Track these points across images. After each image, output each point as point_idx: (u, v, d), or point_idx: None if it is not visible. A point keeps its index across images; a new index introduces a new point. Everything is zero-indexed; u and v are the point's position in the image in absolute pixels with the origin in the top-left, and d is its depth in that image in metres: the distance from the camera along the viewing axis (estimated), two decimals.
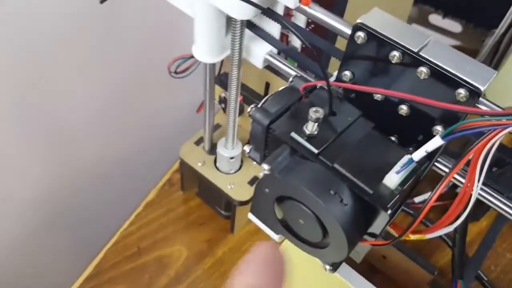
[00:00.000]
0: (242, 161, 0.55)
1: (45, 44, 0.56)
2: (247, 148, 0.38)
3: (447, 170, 0.33)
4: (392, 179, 0.30)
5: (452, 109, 0.28)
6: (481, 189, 0.32)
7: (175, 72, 0.54)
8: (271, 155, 0.31)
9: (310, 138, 0.32)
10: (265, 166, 0.30)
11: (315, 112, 0.31)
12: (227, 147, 0.52)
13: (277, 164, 0.30)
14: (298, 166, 0.31)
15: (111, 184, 0.78)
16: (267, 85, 0.51)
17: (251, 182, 0.53)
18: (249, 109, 0.35)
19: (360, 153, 0.32)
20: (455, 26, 0.74)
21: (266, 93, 0.52)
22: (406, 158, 0.30)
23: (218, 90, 0.54)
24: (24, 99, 0.58)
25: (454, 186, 0.54)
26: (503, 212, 0.32)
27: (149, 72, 0.69)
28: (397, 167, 0.30)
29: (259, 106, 0.35)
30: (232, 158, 0.52)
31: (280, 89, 0.37)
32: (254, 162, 0.37)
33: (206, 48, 0.42)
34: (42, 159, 0.65)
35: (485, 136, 0.26)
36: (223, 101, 0.56)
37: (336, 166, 0.31)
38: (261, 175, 0.31)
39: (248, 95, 0.53)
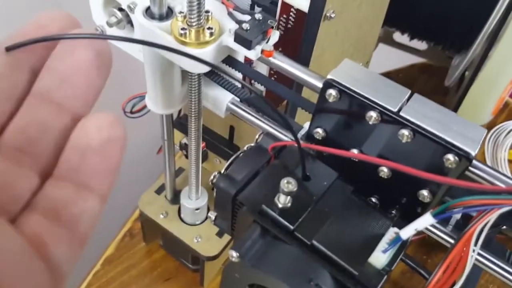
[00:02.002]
0: (208, 209, 0.50)
1: None
2: (212, 216, 0.34)
3: (447, 239, 0.30)
4: (379, 258, 0.26)
5: (441, 182, 0.24)
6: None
7: (131, 112, 0.50)
8: (240, 240, 0.27)
9: (283, 212, 0.28)
10: (234, 254, 0.26)
11: (288, 184, 0.27)
12: (191, 197, 0.48)
13: (247, 250, 0.26)
14: (271, 251, 0.27)
15: None
16: (232, 129, 0.47)
17: (219, 234, 0.49)
18: (211, 177, 0.31)
19: (340, 224, 0.28)
20: (420, 44, 0.72)
21: (231, 137, 0.48)
22: (392, 233, 0.27)
23: (178, 134, 0.50)
24: None
25: None
26: (505, 280, 0.29)
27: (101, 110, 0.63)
28: (383, 243, 0.27)
29: (223, 172, 0.31)
30: (197, 209, 0.48)
31: (246, 148, 0.33)
32: None
33: (160, 100, 0.38)
34: None
35: (478, 219, 0.23)
36: (184, 147, 0.51)
37: (315, 243, 0.27)
38: (230, 259, 0.27)
39: (212, 140, 0.48)
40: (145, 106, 0.49)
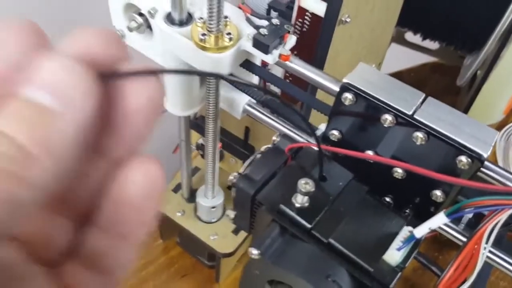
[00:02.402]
0: (224, 207, 0.52)
1: None
2: (231, 214, 0.35)
3: (459, 237, 0.30)
4: (394, 256, 0.27)
5: (454, 182, 0.25)
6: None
7: None
8: (260, 237, 0.28)
9: (300, 211, 0.29)
10: (254, 251, 0.27)
11: (305, 185, 0.28)
12: (207, 196, 0.49)
13: (267, 248, 0.27)
14: (289, 249, 0.28)
15: None
16: (247, 129, 0.48)
17: (235, 231, 0.50)
18: (231, 177, 0.32)
19: (356, 223, 0.29)
20: (432, 43, 0.72)
21: (246, 138, 0.49)
22: (406, 231, 0.28)
23: (194, 135, 0.51)
24: None
25: None
26: None
27: None
28: (397, 241, 0.28)
29: (242, 173, 0.32)
30: (213, 207, 0.49)
31: (264, 149, 0.34)
32: None
33: (178, 102, 0.39)
34: None
35: (489, 218, 0.24)
36: (201, 147, 0.52)
37: (332, 241, 0.28)
38: (250, 257, 0.28)
39: (227, 140, 0.50)
40: None
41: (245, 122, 0.48)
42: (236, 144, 0.49)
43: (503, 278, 0.57)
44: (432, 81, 0.79)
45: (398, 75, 0.81)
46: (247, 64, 0.35)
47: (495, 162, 0.36)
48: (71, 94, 0.13)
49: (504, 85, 0.69)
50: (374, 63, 0.50)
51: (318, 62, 0.36)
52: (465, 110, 0.70)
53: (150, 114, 0.15)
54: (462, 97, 0.72)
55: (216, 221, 0.51)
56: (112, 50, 0.15)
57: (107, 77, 0.15)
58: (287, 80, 0.41)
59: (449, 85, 0.74)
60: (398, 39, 0.76)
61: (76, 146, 0.14)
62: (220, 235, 0.49)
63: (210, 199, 0.49)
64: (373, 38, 0.44)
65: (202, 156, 0.54)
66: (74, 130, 0.14)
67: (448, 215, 0.25)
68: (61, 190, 0.14)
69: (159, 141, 0.74)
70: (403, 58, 0.80)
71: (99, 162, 0.16)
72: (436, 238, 0.60)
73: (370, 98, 0.28)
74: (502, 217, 0.25)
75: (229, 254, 0.49)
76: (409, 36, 0.74)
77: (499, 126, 0.74)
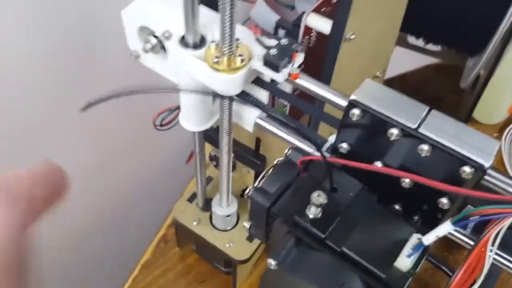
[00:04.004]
0: (238, 215, 0.53)
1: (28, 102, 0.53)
2: (246, 225, 0.37)
3: (467, 241, 0.32)
4: (404, 262, 0.29)
5: (457, 192, 0.27)
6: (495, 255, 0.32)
7: (161, 125, 0.53)
8: (276, 249, 0.30)
9: (314, 222, 0.31)
10: (272, 262, 0.29)
11: (318, 197, 0.30)
12: (222, 205, 0.51)
13: (284, 258, 0.29)
14: (305, 259, 0.29)
15: (105, 241, 0.75)
16: (258, 140, 0.50)
17: (249, 239, 0.52)
18: (247, 191, 0.34)
19: (367, 232, 0.31)
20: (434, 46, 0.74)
21: (257, 148, 0.50)
22: (415, 238, 0.29)
23: (207, 146, 0.53)
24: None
25: None
26: None
27: (133, 125, 0.67)
28: (407, 249, 0.29)
29: (257, 186, 0.34)
30: (228, 216, 0.51)
31: (277, 163, 0.36)
32: None
33: (193, 118, 0.41)
34: None
35: (494, 225, 0.25)
36: (214, 158, 0.54)
37: (345, 249, 0.30)
38: (268, 267, 0.30)
39: (239, 150, 0.51)
40: (173, 119, 0.52)
41: (256, 133, 0.49)
42: (248, 154, 0.51)
43: None
44: (436, 82, 0.81)
45: (402, 78, 0.83)
46: (258, 81, 0.37)
47: (499, 166, 0.38)
48: None
49: (507, 85, 0.70)
50: (379, 71, 0.52)
51: (325, 77, 0.38)
52: (470, 110, 0.71)
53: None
54: (466, 97, 0.74)
55: (231, 229, 0.53)
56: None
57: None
58: (295, 94, 0.43)
59: (453, 85, 0.75)
60: (401, 42, 0.78)
61: None
62: (236, 243, 0.51)
63: (225, 208, 0.51)
64: (377, 48, 0.46)
65: (215, 166, 0.56)
66: None
67: (454, 223, 0.27)
68: None
69: (173, 152, 0.76)
70: (407, 60, 0.81)
71: None
72: (446, 239, 0.61)
73: (377, 114, 0.30)
74: (506, 223, 0.27)
75: (245, 261, 0.51)
76: (412, 39, 0.75)
77: (504, 125, 0.75)
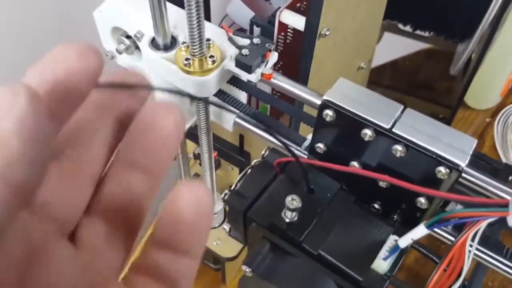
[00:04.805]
0: (225, 213, 0.53)
1: None
2: (226, 227, 0.36)
3: (449, 237, 0.32)
4: (381, 265, 0.28)
5: (431, 195, 0.26)
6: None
7: None
8: (252, 255, 0.29)
9: (290, 225, 0.30)
10: (247, 269, 0.29)
11: (292, 201, 0.29)
12: None
13: (258, 265, 0.29)
14: (280, 264, 0.29)
15: None
16: (241, 137, 0.49)
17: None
18: (222, 195, 0.33)
19: (344, 234, 0.30)
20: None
21: (241, 145, 0.50)
22: (392, 240, 0.29)
23: (191, 145, 0.52)
24: None
25: None
26: (504, 273, 0.31)
27: None
28: (383, 251, 0.29)
29: (233, 189, 0.33)
30: (214, 214, 0.51)
31: (254, 164, 0.35)
32: None
33: None
34: None
35: (470, 227, 0.25)
36: (198, 156, 0.54)
37: (321, 252, 0.29)
38: (244, 274, 0.30)
39: (223, 148, 0.51)
40: None
41: (239, 130, 0.49)
42: (232, 151, 0.50)
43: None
44: (427, 67, 0.80)
45: (393, 64, 0.81)
46: (235, 81, 0.36)
47: (491, 152, 0.37)
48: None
49: (498, 69, 0.69)
50: (363, 62, 0.51)
51: (302, 74, 0.37)
52: (461, 95, 0.70)
53: (177, 136, 0.17)
54: (457, 83, 0.73)
55: (218, 227, 0.52)
56: (87, 63, 0.16)
57: (101, 87, 0.16)
58: (275, 93, 0.42)
59: (444, 71, 0.74)
60: (391, 28, 0.77)
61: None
62: (223, 240, 0.51)
63: None
64: (359, 40, 0.45)
65: (200, 164, 0.55)
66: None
67: (428, 226, 0.26)
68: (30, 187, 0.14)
69: None
70: (398, 46, 0.80)
71: (146, 182, 0.18)
72: None
73: (350, 114, 0.29)
74: (482, 225, 0.26)
75: (233, 258, 0.50)
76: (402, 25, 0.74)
77: (497, 109, 0.74)
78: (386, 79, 0.80)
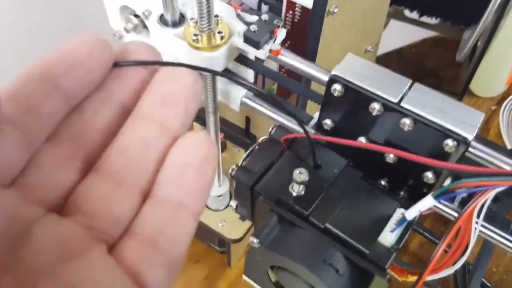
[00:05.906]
0: (230, 195, 0.53)
1: None
2: (233, 204, 0.37)
3: (454, 214, 0.32)
4: (388, 238, 0.28)
5: (440, 166, 0.26)
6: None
7: None
8: (259, 227, 0.30)
9: (297, 199, 0.30)
10: (254, 240, 0.29)
11: (300, 174, 0.29)
12: (214, 185, 0.50)
13: (266, 236, 0.29)
14: (288, 236, 0.29)
15: None
16: (247, 119, 0.49)
17: (242, 218, 0.52)
18: (230, 170, 0.33)
19: (351, 208, 0.30)
20: (431, 18, 0.72)
21: (247, 127, 0.50)
22: (399, 213, 0.29)
23: (197, 126, 0.53)
24: None
25: None
26: (510, 249, 0.31)
27: None
28: (391, 224, 0.29)
29: (240, 165, 0.34)
30: (220, 196, 0.51)
31: (261, 141, 0.35)
32: None
33: None
34: None
35: (477, 197, 0.25)
36: None
37: (328, 226, 0.29)
38: (251, 245, 0.30)
39: (229, 130, 0.51)
40: None
41: (246, 112, 0.49)
42: (238, 133, 0.50)
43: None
44: (434, 55, 0.79)
45: (400, 52, 0.81)
46: (242, 59, 0.36)
47: (497, 139, 0.37)
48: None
49: (504, 57, 0.69)
50: (370, 45, 0.51)
51: (310, 52, 0.37)
52: (467, 83, 0.70)
53: (195, 92, 0.18)
54: (463, 70, 0.72)
55: (223, 209, 0.53)
56: (98, 51, 0.17)
57: (119, 65, 0.18)
58: (282, 72, 0.42)
59: (451, 58, 0.74)
60: (397, 15, 0.76)
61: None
62: (228, 222, 0.51)
63: (217, 188, 0.51)
64: (366, 22, 0.45)
65: None
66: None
67: (435, 197, 0.26)
68: None
69: None
70: (404, 34, 0.80)
71: (161, 134, 0.18)
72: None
73: (358, 88, 0.29)
74: (489, 195, 0.26)
75: (238, 240, 0.51)
76: (408, 12, 0.74)
77: (502, 97, 0.74)
78: (392, 67, 0.80)
